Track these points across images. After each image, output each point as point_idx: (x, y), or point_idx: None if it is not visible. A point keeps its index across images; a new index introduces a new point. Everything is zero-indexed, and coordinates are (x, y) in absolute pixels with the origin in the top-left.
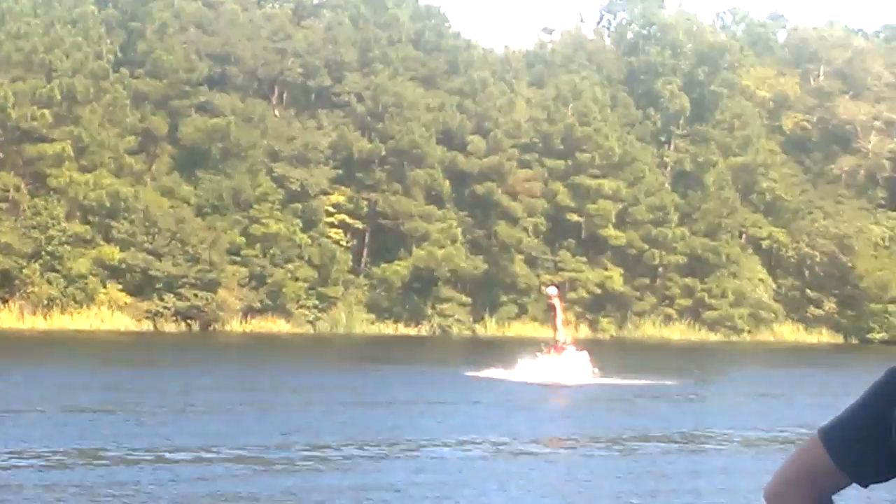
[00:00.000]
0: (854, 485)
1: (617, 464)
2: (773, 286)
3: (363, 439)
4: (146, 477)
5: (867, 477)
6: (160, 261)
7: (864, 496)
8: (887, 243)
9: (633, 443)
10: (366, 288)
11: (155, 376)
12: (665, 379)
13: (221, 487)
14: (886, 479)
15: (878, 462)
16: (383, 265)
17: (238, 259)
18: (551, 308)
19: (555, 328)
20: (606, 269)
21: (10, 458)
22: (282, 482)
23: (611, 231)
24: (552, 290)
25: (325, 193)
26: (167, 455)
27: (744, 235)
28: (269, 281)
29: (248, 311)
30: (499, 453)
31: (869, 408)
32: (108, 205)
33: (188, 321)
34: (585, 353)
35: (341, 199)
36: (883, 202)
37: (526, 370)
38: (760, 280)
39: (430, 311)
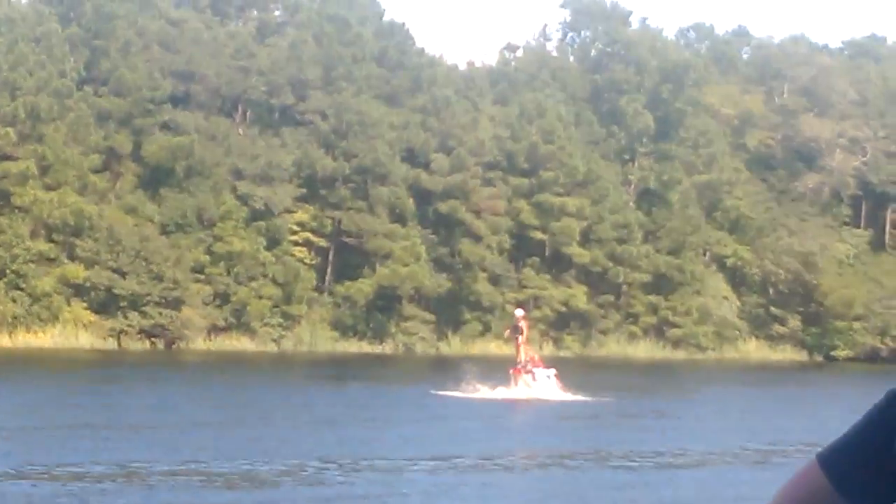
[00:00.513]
0: None
1: (584, 481)
2: (738, 304)
3: (329, 457)
4: (106, 496)
5: (867, 501)
6: (124, 279)
7: None
8: (851, 261)
9: (601, 460)
10: (330, 306)
11: (118, 394)
12: (631, 397)
13: None
14: None
15: (879, 486)
16: (347, 283)
17: (202, 277)
18: (517, 330)
19: (517, 350)
20: (570, 287)
21: None
22: (244, 499)
23: (575, 249)
24: (519, 312)
25: (289, 211)
26: (130, 473)
27: (708, 253)
28: (233, 299)
29: (213, 330)
30: (466, 469)
31: (869, 432)
32: (72, 223)
33: (153, 339)
34: (553, 370)
35: (305, 217)
36: (847, 220)
37: (493, 388)
38: (725, 298)
39: (394, 329)
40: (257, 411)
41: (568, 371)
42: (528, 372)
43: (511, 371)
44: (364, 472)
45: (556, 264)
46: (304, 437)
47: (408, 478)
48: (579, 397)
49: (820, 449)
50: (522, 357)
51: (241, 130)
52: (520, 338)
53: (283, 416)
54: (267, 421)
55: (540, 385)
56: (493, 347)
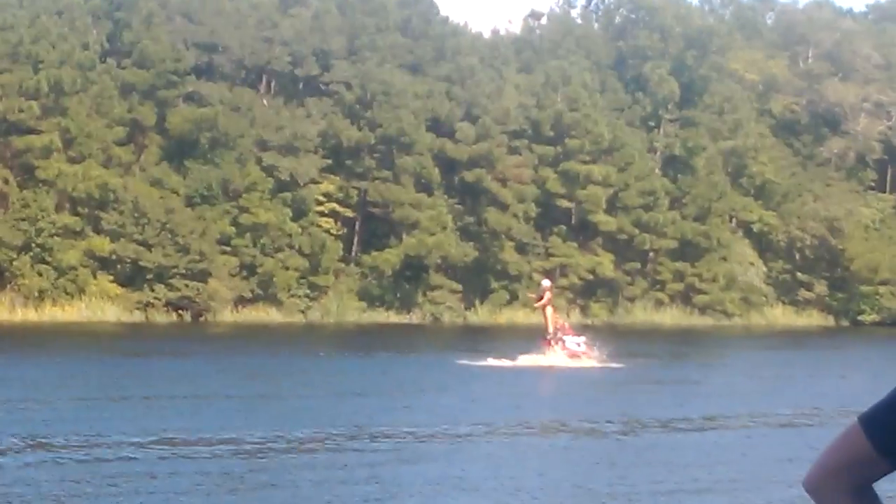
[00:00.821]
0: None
1: (624, 448)
2: (764, 269)
3: (359, 426)
4: (136, 466)
5: None
6: (150, 251)
7: None
8: (877, 225)
9: (633, 426)
10: (356, 276)
11: (146, 366)
12: (661, 363)
13: (211, 477)
14: None
15: None
16: (374, 253)
17: (228, 249)
18: (543, 300)
19: (546, 321)
20: (597, 255)
21: (15, 448)
22: (274, 471)
23: (601, 216)
24: (546, 283)
25: (315, 182)
26: (159, 445)
27: (734, 219)
28: (259, 270)
29: (239, 301)
30: (497, 437)
31: None
32: (97, 196)
33: (179, 311)
34: (583, 337)
35: (331, 187)
36: (873, 184)
37: (523, 356)
38: (751, 263)
39: (421, 299)
40: (286, 382)
41: (596, 338)
42: (558, 341)
43: (541, 343)
44: (390, 442)
45: (583, 232)
46: (333, 406)
47: (437, 446)
48: (611, 364)
49: (857, 412)
50: (551, 328)
51: (265, 101)
52: (548, 308)
53: (312, 387)
54: (295, 391)
55: (570, 353)
56: (520, 316)
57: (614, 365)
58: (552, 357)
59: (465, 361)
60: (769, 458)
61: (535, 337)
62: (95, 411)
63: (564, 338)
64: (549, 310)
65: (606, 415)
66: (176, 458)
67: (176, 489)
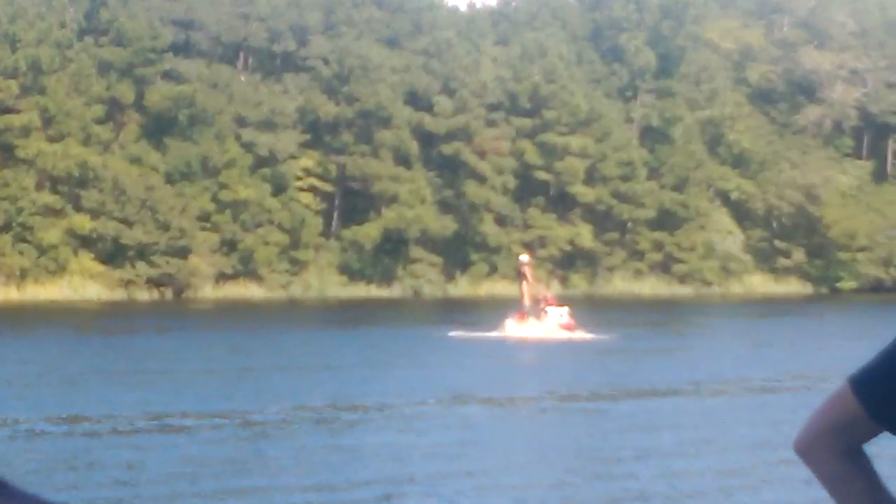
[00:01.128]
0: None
1: (611, 417)
2: (742, 238)
3: (345, 401)
4: (118, 441)
5: None
6: (131, 229)
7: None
8: (854, 192)
9: (619, 395)
10: (337, 251)
11: (129, 343)
12: (643, 332)
13: (197, 450)
14: None
15: None
16: (354, 227)
17: (208, 225)
18: (522, 276)
19: (522, 296)
20: (576, 226)
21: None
22: (261, 445)
23: (579, 188)
24: (524, 258)
25: (294, 157)
26: (141, 420)
27: (712, 188)
28: (240, 246)
29: (221, 277)
30: (485, 408)
31: None
32: (76, 174)
33: (161, 288)
34: (566, 308)
35: (310, 163)
36: (849, 151)
37: (505, 328)
38: (729, 232)
39: (401, 272)
40: (268, 357)
41: (577, 309)
42: (543, 311)
43: (517, 315)
44: (378, 414)
45: (561, 203)
46: (318, 381)
47: (428, 417)
48: (594, 335)
49: (840, 377)
50: (527, 302)
51: (243, 78)
52: (524, 283)
53: (294, 361)
54: (278, 366)
55: (552, 324)
56: (500, 288)
57: (599, 336)
58: (530, 328)
59: (452, 333)
60: (755, 422)
61: (517, 308)
62: (77, 388)
63: (548, 309)
64: (525, 285)
65: (592, 384)
66: (157, 432)
67: (157, 462)
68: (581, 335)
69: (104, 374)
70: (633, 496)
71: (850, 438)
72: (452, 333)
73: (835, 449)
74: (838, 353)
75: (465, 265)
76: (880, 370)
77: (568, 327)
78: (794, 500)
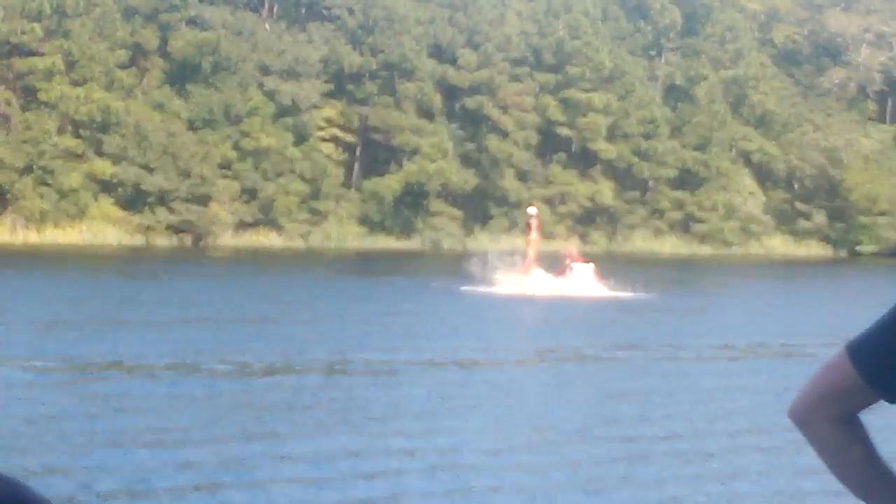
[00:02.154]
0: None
1: (635, 374)
2: (763, 199)
3: (356, 353)
4: (139, 387)
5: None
6: (152, 175)
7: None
8: (877, 156)
9: (650, 352)
10: (357, 202)
11: (145, 290)
12: (665, 291)
13: (214, 399)
14: None
15: None
16: (374, 179)
17: (229, 173)
18: (528, 228)
19: (527, 248)
20: (597, 183)
21: (22, 369)
22: (269, 394)
23: (601, 145)
24: (532, 211)
25: (316, 107)
26: (165, 366)
27: (734, 149)
28: (260, 195)
29: (240, 225)
30: (508, 366)
31: None
32: (99, 119)
33: (180, 235)
34: (591, 265)
35: (332, 112)
36: (873, 115)
37: (532, 282)
38: (750, 193)
39: (421, 225)
40: (281, 308)
41: (596, 266)
42: (568, 268)
43: (522, 267)
44: (390, 370)
45: (583, 160)
46: (330, 333)
47: (445, 375)
48: (620, 293)
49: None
50: (531, 255)
51: (267, 26)
52: (531, 236)
53: (310, 313)
54: (289, 317)
55: (578, 280)
56: (519, 243)
57: (624, 294)
58: (532, 280)
59: (468, 288)
60: (775, 387)
61: (542, 263)
62: (89, 334)
63: (573, 265)
64: (532, 235)
65: (611, 343)
66: (162, 380)
67: (164, 408)
68: (615, 293)
69: (111, 320)
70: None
71: (846, 406)
72: (465, 288)
73: (831, 416)
74: (860, 316)
75: (484, 219)
76: (878, 338)
77: (583, 283)
78: (795, 462)
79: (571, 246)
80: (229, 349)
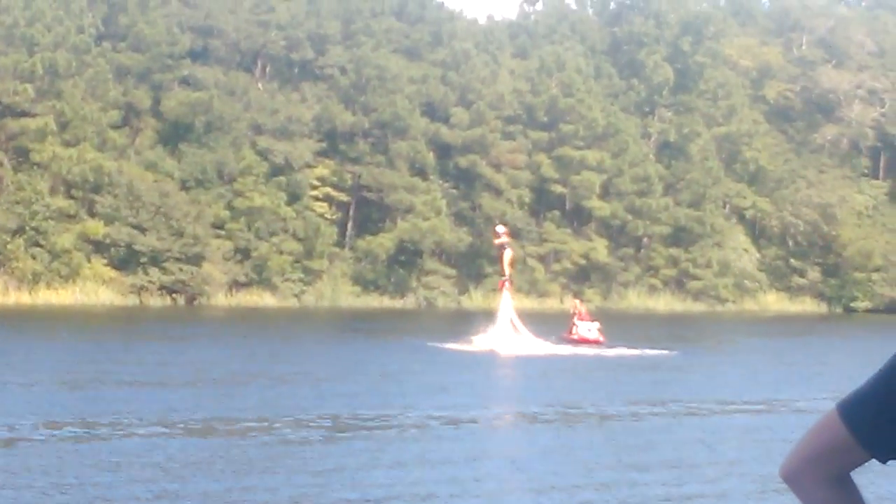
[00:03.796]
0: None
1: (629, 432)
2: (758, 256)
3: (346, 412)
4: (131, 447)
5: (888, 453)
6: (144, 235)
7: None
8: (870, 212)
9: (643, 410)
10: (351, 261)
11: (139, 350)
12: (662, 349)
13: (195, 458)
14: None
15: None
16: (368, 238)
17: (222, 233)
18: (501, 247)
19: (503, 266)
20: (591, 240)
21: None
22: (253, 454)
23: (595, 202)
24: (501, 229)
25: (310, 166)
26: (156, 427)
27: (728, 205)
28: (253, 254)
29: (234, 285)
30: (516, 423)
31: (889, 382)
32: (91, 179)
33: (173, 295)
34: (597, 323)
35: (325, 171)
36: (866, 171)
37: (528, 342)
38: (744, 250)
39: (415, 284)
40: (273, 367)
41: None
42: (573, 325)
43: (499, 284)
44: (385, 428)
45: (577, 217)
46: (321, 391)
47: (439, 433)
48: (630, 350)
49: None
50: (507, 271)
51: (260, 85)
52: (506, 252)
53: (297, 372)
54: (281, 377)
55: (580, 338)
56: (514, 301)
57: (633, 350)
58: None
59: (472, 344)
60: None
61: (537, 322)
62: (85, 394)
63: (578, 323)
64: (507, 253)
65: (605, 399)
66: (154, 438)
67: (154, 469)
68: (631, 351)
69: (106, 380)
70: None
71: (838, 465)
72: (470, 343)
73: (822, 476)
74: (853, 374)
75: (479, 278)
76: (869, 397)
77: (597, 342)
78: None
79: (579, 303)
80: (215, 408)
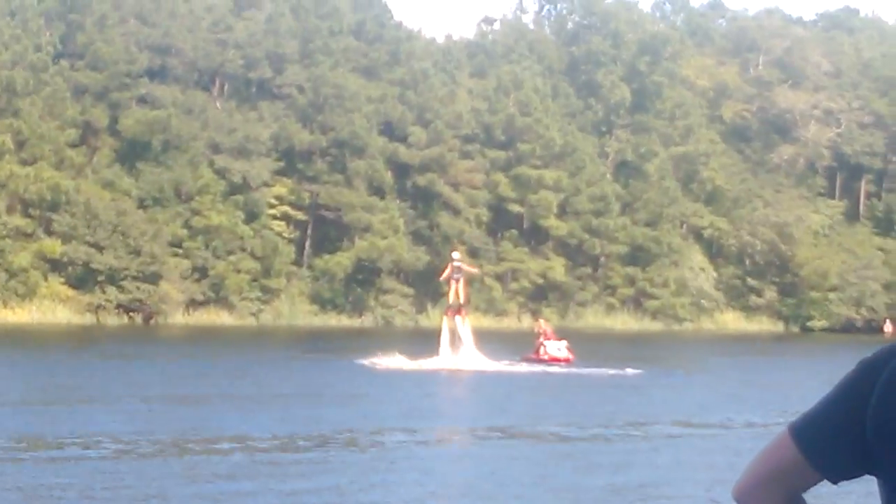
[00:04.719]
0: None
1: (600, 452)
2: (715, 275)
3: (297, 432)
4: (74, 468)
5: (839, 474)
6: (102, 254)
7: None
8: (826, 232)
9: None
10: (308, 280)
11: (94, 369)
12: (634, 367)
13: (144, 482)
14: (857, 476)
15: (850, 458)
16: (326, 257)
17: (180, 251)
18: (456, 271)
19: (457, 293)
20: (548, 259)
21: None
22: (206, 476)
23: (552, 221)
24: (455, 255)
25: (267, 185)
26: (108, 446)
27: (685, 225)
28: (211, 273)
29: (191, 304)
30: (478, 441)
31: (841, 403)
32: (48, 198)
33: (130, 314)
34: (565, 341)
35: (283, 190)
36: (822, 191)
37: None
38: (702, 269)
39: (373, 303)
40: (227, 386)
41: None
42: (540, 344)
43: (449, 311)
44: (331, 446)
45: (534, 237)
46: (278, 410)
47: (379, 452)
48: (603, 370)
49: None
50: (453, 299)
51: (218, 104)
52: (458, 281)
53: (249, 391)
54: (231, 396)
55: (558, 353)
56: (472, 320)
57: (600, 369)
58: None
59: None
60: (703, 464)
61: (495, 341)
62: (35, 414)
63: (546, 343)
64: (460, 283)
65: (566, 418)
66: (107, 459)
67: (101, 491)
68: (600, 370)
69: (60, 399)
70: None
71: (790, 486)
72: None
73: (774, 496)
74: (808, 395)
75: (436, 296)
76: (821, 418)
77: (566, 360)
78: None
79: (543, 322)
80: (168, 428)
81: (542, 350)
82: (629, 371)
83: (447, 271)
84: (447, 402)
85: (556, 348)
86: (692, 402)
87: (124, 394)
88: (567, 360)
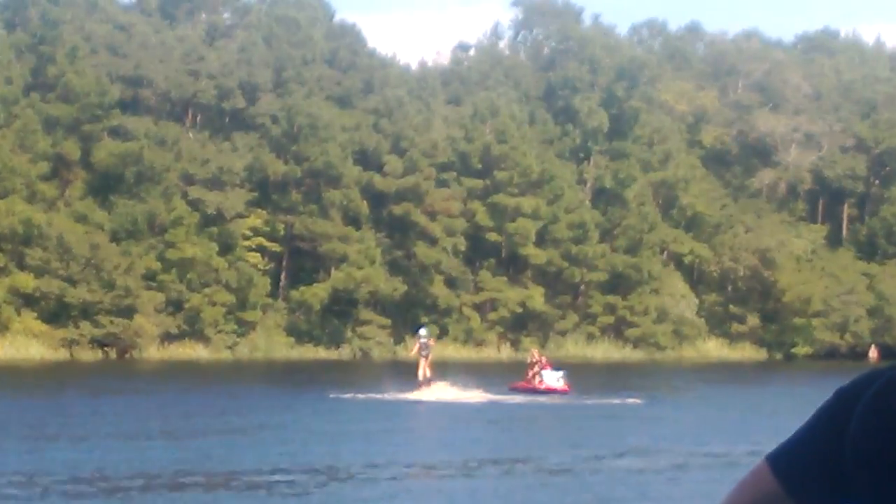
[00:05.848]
0: None
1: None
2: (696, 302)
3: (273, 466)
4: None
5: (817, 503)
6: (75, 287)
7: None
8: (809, 257)
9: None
10: (284, 312)
11: (66, 405)
12: (629, 398)
13: None
14: None
15: (829, 488)
16: (301, 288)
17: (154, 284)
18: (425, 348)
19: (425, 371)
20: (527, 288)
21: None
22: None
23: (531, 250)
24: (423, 331)
25: (242, 216)
26: (79, 485)
27: (665, 251)
28: (186, 306)
29: (166, 337)
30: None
31: (818, 432)
32: (21, 232)
33: (105, 348)
34: (562, 371)
35: (258, 222)
36: (804, 215)
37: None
38: (683, 296)
39: (350, 334)
40: (199, 421)
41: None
42: (537, 374)
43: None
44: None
45: (513, 265)
46: (252, 446)
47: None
48: (603, 400)
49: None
50: (425, 374)
51: (191, 135)
52: (427, 358)
53: (224, 426)
54: (205, 432)
55: (555, 383)
56: (450, 351)
57: (604, 400)
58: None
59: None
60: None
61: (474, 372)
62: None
63: (543, 372)
64: (429, 359)
65: (547, 448)
66: (83, 496)
67: None
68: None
69: (31, 435)
70: None
71: None
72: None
73: None
74: (791, 423)
75: (414, 327)
76: (799, 448)
77: (563, 391)
78: None
79: (537, 353)
80: (138, 464)
81: (537, 379)
82: (630, 401)
83: (416, 348)
84: (467, 435)
85: (555, 378)
86: (712, 429)
87: (90, 432)
88: (564, 391)
